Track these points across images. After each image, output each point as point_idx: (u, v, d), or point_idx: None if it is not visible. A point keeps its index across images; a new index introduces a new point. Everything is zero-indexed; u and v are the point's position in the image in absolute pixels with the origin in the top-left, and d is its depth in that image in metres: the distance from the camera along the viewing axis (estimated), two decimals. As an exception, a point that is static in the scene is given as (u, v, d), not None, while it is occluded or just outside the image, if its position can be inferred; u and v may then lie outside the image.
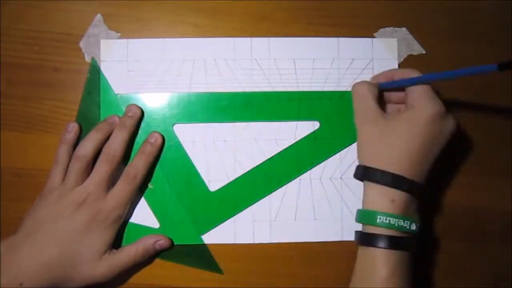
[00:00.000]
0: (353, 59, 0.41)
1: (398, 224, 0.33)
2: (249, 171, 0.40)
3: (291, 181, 0.41)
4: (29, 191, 0.39)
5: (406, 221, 0.34)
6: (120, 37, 0.41)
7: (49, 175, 0.37)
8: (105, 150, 0.37)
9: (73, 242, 0.35)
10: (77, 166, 0.36)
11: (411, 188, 0.34)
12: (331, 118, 0.41)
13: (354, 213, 0.41)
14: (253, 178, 0.40)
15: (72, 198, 0.35)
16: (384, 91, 0.39)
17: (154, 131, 0.39)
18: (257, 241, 0.40)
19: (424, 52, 0.42)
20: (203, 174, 0.40)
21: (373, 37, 0.42)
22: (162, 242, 0.38)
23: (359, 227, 0.40)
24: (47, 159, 0.39)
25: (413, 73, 0.36)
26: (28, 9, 0.40)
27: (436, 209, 0.42)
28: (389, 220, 0.33)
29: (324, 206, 0.41)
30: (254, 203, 0.40)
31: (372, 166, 0.35)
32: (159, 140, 0.39)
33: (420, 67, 0.42)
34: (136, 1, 0.41)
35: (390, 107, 0.39)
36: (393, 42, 0.42)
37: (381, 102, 0.38)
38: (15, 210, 0.39)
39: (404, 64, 0.42)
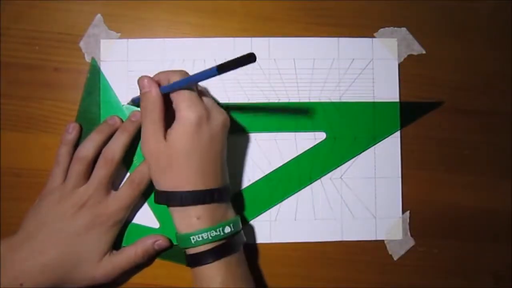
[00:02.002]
0: (353, 59, 0.41)
1: (211, 236, 0.33)
2: (255, 182, 0.40)
3: (297, 192, 0.41)
4: (29, 191, 0.39)
5: (218, 229, 0.33)
6: (120, 37, 0.41)
7: (50, 175, 0.37)
8: (104, 153, 0.36)
9: (73, 244, 0.35)
10: (77, 168, 0.36)
11: (212, 198, 0.33)
12: (337, 128, 0.41)
13: (354, 213, 0.41)
14: (259, 189, 0.40)
15: (73, 200, 0.35)
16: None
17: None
18: (257, 241, 0.40)
19: (424, 52, 0.42)
20: None
21: (373, 37, 0.42)
22: (161, 242, 0.38)
23: (358, 227, 0.41)
24: (47, 159, 0.39)
25: (175, 75, 0.34)
26: (28, 9, 0.40)
27: (436, 209, 0.42)
28: (202, 237, 0.33)
29: (324, 206, 0.41)
30: (261, 213, 0.40)
31: (168, 189, 0.34)
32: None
33: (420, 67, 0.42)
34: (136, 1, 0.41)
35: None
36: (393, 42, 0.42)
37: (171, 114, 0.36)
38: (15, 210, 0.39)
39: (404, 64, 0.42)
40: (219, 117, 0.35)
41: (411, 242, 0.41)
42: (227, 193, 0.35)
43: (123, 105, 0.40)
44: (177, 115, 0.33)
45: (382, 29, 0.42)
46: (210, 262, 0.33)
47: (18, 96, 0.40)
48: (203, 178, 0.34)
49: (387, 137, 0.41)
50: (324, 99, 0.41)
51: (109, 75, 0.40)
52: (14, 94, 0.40)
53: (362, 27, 0.42)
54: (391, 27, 0.42)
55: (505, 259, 0.42)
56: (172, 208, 0.34)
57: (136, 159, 0.40)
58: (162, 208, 0.39)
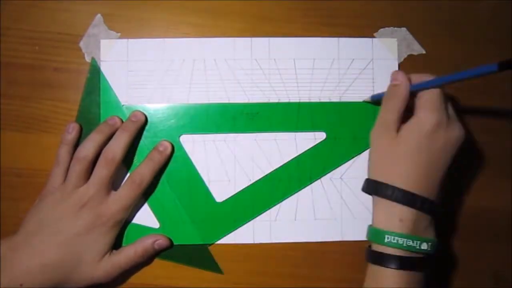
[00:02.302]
0: (353, 59, 0.41)
1: (406, 244, 0.32)
2: (255, 182, 0.40)
3: (297, 192, 0.41)
4: (29, 191, 0.39)
5: (415, 241, 0.32)
6: (120, 37, 0.41)
7: (50, 175, 0.37)
8: (104, 153, 0.36)
9: (74, 244, 0.35)
10: (77, 168, 0.36)
11: (422, 205, 0.33)
12: (337, 128, 0.41)
13: (354, 213, 0.41)
14: (259, 189, 0.40)
15: (74, 201, 0.35)
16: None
17: (164, 140, 0.39)
18: (257, 241, 0.40)
19: (424, 52, 0.42)
20: (209, 185, 0.40)
21: (373, 37, 0.42)
22: (161, 242, 0.38)
23: (358, 227, 0.41)
24: (47, 159, 0.39)
25: (428, 78, 0.34)
26: (28, 9, 0.40)
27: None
28: (397, 240, 0.32)
29: (324, 206, 0.41)
30: (261, 213, 0.40)
31: (381, 180, 0.34)
32: (169, 150, 0.39)
33: (420, 67, 0.42)
34: (136, 1, 0.41)
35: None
36: (393, 42, 0.42)
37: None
38: (15, 210, 0.39)
39: (404, 64, 0.42)
40: (457, 131, 0.34)
41: (411, 242, 0.41)
42: (435, 209, 0.34)
43: (123, 105, 0.40)
44: (417, 113, 0.33)
45: (382, 29, 0.42)
46: (393, 268, 0.32)
47: (18, 96, 0.40)
48: (421, 183, 0.33)
49: None
50: (324, 99, 0.41)
51: (109, 75, 0.40)
52: (14, 94, 0.40)
53: (362, 27, 0.42)
54: (391, 27, 0.42)
55: (505, 259, 0.42)
56: (377, 199, 0.34)
57: (136, 159, 0.40)
58: (162, 208, 0.39)
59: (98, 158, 0.37)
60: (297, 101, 0.41)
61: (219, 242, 0.40)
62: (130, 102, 0.40)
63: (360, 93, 0.41)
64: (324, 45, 0.41)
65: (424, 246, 0.33)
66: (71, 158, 0.37)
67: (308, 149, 0.41)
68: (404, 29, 0.42)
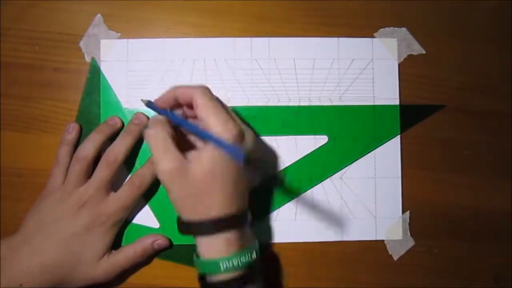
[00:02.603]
0: (353, 59, 0.41)
1: (241, 262, 0.31)
2: (256, 185, 0.40)
3: (299, 195, 0.41)
4: (29, 191, 0.39)
5: (247, 254, 0.32)
6: (120, 37, 0.41)
7: (50, 175, 0.37)
8: (106, 154, 0.36)
9: (73, 244, 0.35)
10: (77, 168, 0.36)
11: (241, 221, 0.33)
12: (339, 132, 0.41)
13: (354, 213, 0.41)
14: (260, 193, 0.40)
15: (73, 201, 0.35)
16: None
17: None
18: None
19: (424, 52, 0.42)
20: None
21: (373, 37, 0.42)
22: (160, 242, 0.38)
23: (358, 227, 0.41)
24: (47, 159, 0.39)
25: (197, 94, 0.32)
26: (28, 9, 0.40)
27: (436, 209, 0.42)
28: (232, 263, 0.31)
29: (324, 206, 0.41)
30: (264, 217, 0.40)
31: (194, 218, 0.32)
32: None
33: (420, 67, 0.42)
34: (136, 1, 0.41)
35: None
36: (393, 42, 0.42)
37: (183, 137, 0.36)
38: (15, 210, 0.39)
39: (404, 64, 0.42)
40: (250, 136, 0.33)
41: (411, 242, 0.41)
42: (248, 216, 0.34)
43: (124, 108, 0.40)
44: (202, 142, 0.32)
45: (382, 29, 0.42)
46: None
47: (18, 96, 0.40)
48: (231, 204, 0.32)
49: (388, 141, 0.41)
50: (324, 99, 0.41)
51: (109, 75, 0.40)
52: (14, 94, 0.40)
53: (362, 27, 0.42)
54: (391, 27, 0.42)
55: (505, 259, 0.42)
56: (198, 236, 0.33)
57: (138, 162, 0.39)
58: (162, 208, 0.39)
59: (98, 158, 0.37)
60: (297, 102, 0.41)
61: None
62: (130, 102, 0.40)
63: (360, 93, 0.41)
64: (324, 45, 0.41)
65: (254, 254, 0.33)
66: (71, 158, 0.37)
67: (310, 152, 0.41)
68: (404, 29, 0.42)
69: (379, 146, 0.41)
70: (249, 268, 0.32)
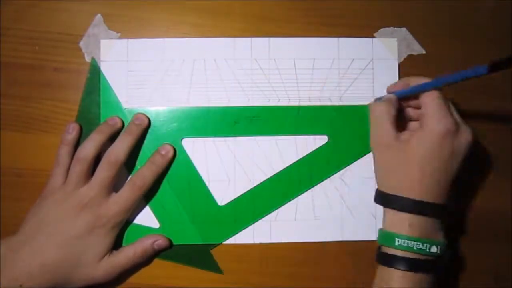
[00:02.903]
0: (353, 59, 0.41)
1: (416, 247, 0.33)
2: (257, 186, 0.40)
3: (299, 195, 0.41)
4: (29, 191, 0.39)
5: (425, 244, 0.33)
6: (120, 37, 0.41)
7: (50, 176, 0.37)
8: (107, 155, 0.36)
9: (73, 245, 0.35)
10: (78, 168, 0.36)
11: (432, 212, 0.33)
12: (340, 132, 0.41)
13: (354, 213, 0.41)
14: (261, 193, 0.40)
15: (74, 202, 0.35)
16: (404, 108, 0.38)
17: (166, 143, 0.39)
18: (257, 241, 0.40)
19: (424, 52, 0.42)
20: (212, 188, 0.40)
21: (373, 37, 0.42)
22: (160, 242, 0.38)
23: (358, 227, 0.41)
24: (47, 159, 0.39)
25: (426, 80, 0.35)
26: (28, 9, 0.40)
27: (436, 209, 0.42)
28: (407, 243, 0.33)
29: (324, 206, 0.41)
30: (263, 217, 0.40)
31: (389, 192, 0.35)
32: (171, 153, 0.39)
33: (420, 67, 0.42)
34: (136, 1, 0.41)
35: (411, 124, 0.38)
36: (393, 42, 0.42)
37: (402, 120, 0.38)
38: (15, 210, 0.39)
39: (404, 64, 0.42)
40: (466, 136, 0.34)
41: (411, 242, 0.41)
42: (446, 213, 0.34)
43: (125, 108, 0.40)
44: (424, 121, 0.33)
45: (382, 29, 0.42)
46: (401, 270, 0.33)
47: (18, 96, 0.40)
48: (430, 190, 0.33)
49: None
50: (324, 99, 0.41)
51: (109, 75, 0.40)
52: (14, 94, 0.40)
53: (362, 27, 0.42)
54: (391, 27, 0.42)
55: (505, 259, 0.42)
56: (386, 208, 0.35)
57: (138, 163, 0.39)
58: (163, 209, 0.39)
59: (99, 159, 0.37)
60: (297, 102, 0.41)
61: (215, 233, 0.40)
62: (130, 102, 0.40)
63: (360, 93, 0.41)
64: (324, 45, 0.41)
65: (434, 249, 0.33)
66: (72, 159, 0.37)
67: (311, 152, 0.41)
68: (404, 29, 0.42)
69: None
70: (424, 259, 0.33)
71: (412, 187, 0.33)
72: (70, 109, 0.40)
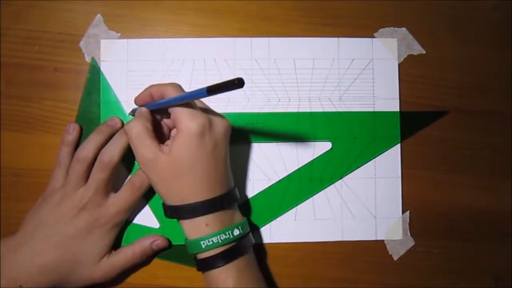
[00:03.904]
0: (353, 59, 0.41)
1: (221, 240, 0.33)
2: (261, 192, 0.40)
3: (302, 202, 0.41)
4: (29, 191, 0.39)
5: (227, 232, 0.33)
6: (120, 37, 0.41)
7: (51, 176, 0.37)
8: (100, 156, 0.36)
9: (72, 246, 0.35)
10: (77, 168, 0.36)
11: (220, 204, 0.34)
12: (343, 138, 0.41)
13: (354, 213, 0.41)
14: (266, 199, 0.40)
15: (73, 203, 0.35)
16: (160, 120, 0.37)
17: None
18: (257, 241, 0.40)
19: (424, 52, 0.42)
20: None
21: (373, 37, 0.42)
22: (159, 242, 0.38)
23: (358, 227, 0.41)
24: (47, 159, 0.39)
25: (169, 89, 0.34)
26: (28, 9, 0.40)
27: (436, 209, 0.42)
28: (212, 241, 0.33)
29: (324, 206, 0.41)
30: (268, 222, 0.40)
31: (176, 204, 0.34)
32: None
33: (420, 67, 0.42)
34: (136, 1, 0.41)
35: (174, 132, 0.37)
36: (393, 42, 0.42)
37: (163, 129, 0.37)
38: (15, 210, 0.39)
39: (404, 64, 0.42)
40: (220, 124, 0.34)
41: (411, 242, 0.41)
42: (234, 197, 0.35)
43: (128, 115, 0.40)
44: (178, 126, 0.33)
45: (382, 29, 0.42)
46: (221, 266, 0.33)
47: (18, 96, 0.40)
48: (210, 187, 0.34)
49: (388, 149, 0.41)
50: (324, 99, 0.41)
51: (109, 75, 0.40)
52: (14, 94, 0.40)
53: (362, 27, 0.42)
54: (391, 27, 0.42)
55: (505, 259, 0.42)
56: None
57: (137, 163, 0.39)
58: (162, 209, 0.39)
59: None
60: (297, 102, 0.41)
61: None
62: (130, 102, 0.40)
63: (360, 93, 0.41)
64: (324, 45, 0.41)
65: (236, 231, 0.34)
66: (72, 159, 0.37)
67: (314, 159, 0.41)
68: (404, 29, 0.42)
69: (381, 153, 0.41)
70: (233, 245, 0.34)
71: (192, 191, 0.33)
72: (70, 109, 0.40)
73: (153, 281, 0.39)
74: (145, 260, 0.38)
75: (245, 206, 0.40)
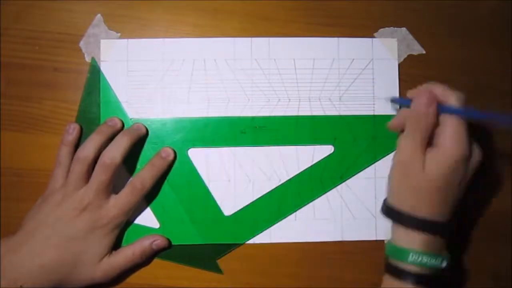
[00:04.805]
0: (353, 59, 0.41)
1: (430, 263, 0.33)
2: (263, 196, 0.40)
3: (305, 205, 0.40)
4: (29, 191, 0.39)
5: (438, 259, 0.33)
6: (120, 37, 0.41)
7: (51, 176, 0.37)
8: (102, 157, 0.36)
9: (73, 246, 0.35)
10: (78, 169, 0.36)
11: (442, 230, 0.33)
12: (346, 142, 0.41)
13: (354, 213, 0.41)
14: (267, 203, 0.40)
15: (73, 203, 0.35)
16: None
17: (167, 146, 0.39)
18: (257, 241, 0.40)
19: (424, 52, 0.42)
20: (218, 199, 0.40)
21: (373, 37, 0.42)
22: (159, 242, 0.38)
23: (358, 227, 0.41)
24: (47, 159, 0.39)
25: (455, 99, 0.33)
26: (28, 9, 0.40)
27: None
28: (421, 259, 0.33)
29: (324, 206, 0.41)
30: (270, 227, 0.40)
31: (402, 208, 0.34)
32: (171, 156, 0.39)
33: (420, 67, 0.42)
34: (136, 1, 0.41)
35: None
36: (393, 42, 0.42)
37: None
38: (15, 210, 0.39)
39: (404, 64, 0.42)
40: (478, 158, 0.34)
41: (411, 242, 0.41)
42: (452, 229, 0.35)
43: (131, 119, 0.40)
44: (442, 143, 0.32)
45: (382, 29, 0.42)
46: (412, 284, 0.33)
47: (18, 96, 0.40)
48: (441, 211, 0.33)
49: (387, 154, 0.41)
50: (324, 99, 0.41)
51: (109, 75, 0.40)
52: (14, 94, 0.40)
53: (362, 27, 0.42)
54: (391, 27, 0.42)
55: (505, 259, 0.42)
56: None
57: (139, 164, 0.39)
58: (163, 209, 0.39)
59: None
60: (297, 102, 0.41)
61: (219, 242, 0.40)
62: (130, 102, 0.40)
63: (360, 93, 0.41)
64: (324, 45, 0.41)
65: (444, 264, 0.34)
66: (72, 159, 0.37)
67: (316, 163, 0.41)
68: (404, 29, 0.42)
69: (379, 159, 0.41)
70: (433, 273, 0.33)
71: (426, 207, 0.33)
72: (70, 109, 0.40)
73: (153, 281, 0.39)
74: (145, 260, 0.38)
75: (246, 209, 0.40)
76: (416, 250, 0.33)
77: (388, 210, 0.35)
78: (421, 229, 0.33)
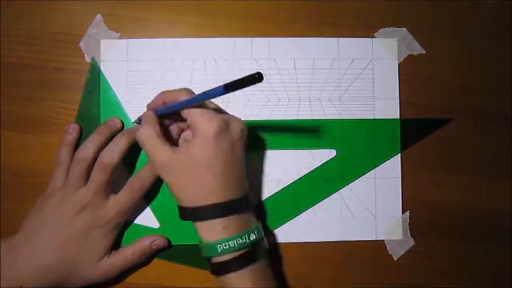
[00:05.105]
0: (353, 59, 0.41)
1: (237, 244, 0.33)
2: (265, 200, 0.40)
3: (306, 210, 0.40)
4: (29, 191, 0.39)
5: (244, 237, 0.33)
6: (120, 37, 0.41)
7: (51, 177, 0.37)
8: (100, 157, 0.36)
9: (73, 246, 0.35)
10: (77, 168, 0.36)
11: (237, 207, 0.34)
12: (348, 146, 0.41)
13: (354, 213, 0.41)
14: (270, 206, 0.40)
15: (73, 204, 0.35)
16: (170, 124, 0.37)
17: None
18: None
19: (424, 52, 0.42)
20: None
21: (373, 37, 0.42)
22: (159, 242, 0.38)
23: (358, 227, 0.41)
24: (46, 159, 0.39)
25: (182, 94, 0.34)
26: (28, 9, 0.40)
27: (436, 209, 0.42)
28: (228, 245, 0.33)
29: (324, 206, 0.41)
30: (272, 231, 0.40)
31: (191, 205, 0.34)
32: None
33: (420, 67, 0.42)
34: (136, 1, 0.41)
35: (185, 134, 0.37)
36: (393, 42, 0.42)
37: (173, 133, 0.37)
38: (15, 210, 0.39)
39: (404, 64, 0.42)
40: (237, 125, 0.34)
41: (411, 242, 0.41)
42: (249, 200, 0.35)
43: (133, 122, 0.40)
44: (196, 130, 0.33)
45: (382, 29, 0.42)
46: (237, 270, 0.33)
47: (18, 96, 0.40)
48: (226, 189, 0.34)
49: (389, 158, 0.41)
50: (324, 99, 0.41)
51: (109, 75, 0.40)
52: (14, 94, 0.40)
53: (362, 27, 0.42)
54: (391, 27, 0.42)
55: (505, 259, 0.42)
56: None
57: (138, 164, 0.39)
58: (163, 209, 0.39)
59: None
60: (297, 102, 0.41)
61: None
62: (130, 102, 0.40)
63: (360, 93, 0.41)
64: (324, 45, 0.41)
65: (253, 236, 0.34)
66: (72, 159, 0.37)
67: (318, 167, 0.41)
68: (404, 29, 0.42)
69: (380, 164, 0.41)
70: (249, 250, 0.34)
71: (210, 193, 0.33)
72: (70, 109, 0.40)
73: (153, 281, 0.39)
74: (145, 260, 0.38)
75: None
76: (220, 239, 0.33)
77: (182, 213, 0.35)
78: (215, 216, 0.33)
